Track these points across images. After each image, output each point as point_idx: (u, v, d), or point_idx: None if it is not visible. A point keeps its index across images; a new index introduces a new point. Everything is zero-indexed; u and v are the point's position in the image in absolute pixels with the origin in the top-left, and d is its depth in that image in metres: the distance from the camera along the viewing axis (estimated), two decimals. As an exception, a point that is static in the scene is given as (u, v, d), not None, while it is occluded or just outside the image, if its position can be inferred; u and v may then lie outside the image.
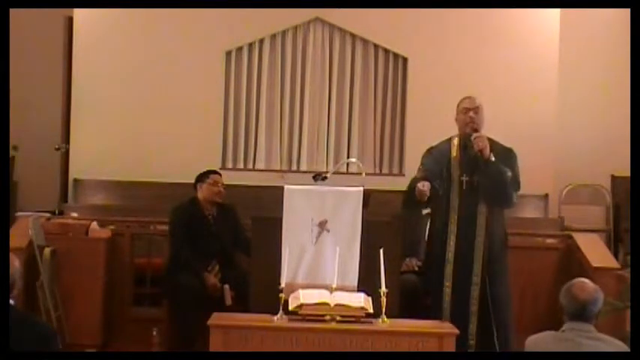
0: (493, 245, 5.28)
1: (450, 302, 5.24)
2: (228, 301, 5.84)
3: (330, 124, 8.53)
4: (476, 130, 5.25)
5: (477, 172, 5.26)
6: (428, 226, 5.82)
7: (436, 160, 5.38)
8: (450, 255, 5.25)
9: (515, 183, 5.30)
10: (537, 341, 3.70)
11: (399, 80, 8.58)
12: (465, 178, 5.30)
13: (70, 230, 6.30)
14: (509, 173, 5.23)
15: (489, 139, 5.24)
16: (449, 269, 5.26)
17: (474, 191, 5.28)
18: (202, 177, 6.27)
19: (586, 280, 3.74)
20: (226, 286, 5.89)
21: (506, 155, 5.32)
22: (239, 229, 6.22)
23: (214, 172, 6.38)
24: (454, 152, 5.34)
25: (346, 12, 8.27)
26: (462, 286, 5.24)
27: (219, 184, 6.25)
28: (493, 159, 5.20)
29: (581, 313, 3.61)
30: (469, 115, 5.27)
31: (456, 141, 5.38)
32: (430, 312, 5.32)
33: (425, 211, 6.14)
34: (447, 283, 5.25)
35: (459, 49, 8.37)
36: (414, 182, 5.24)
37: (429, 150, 5.47)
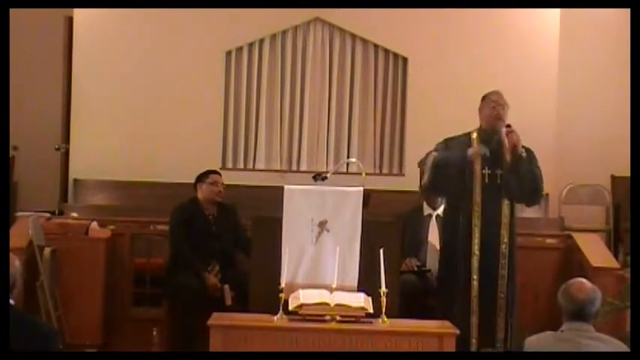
0: (511, 240, 5.33)
1: (478, 296, 5.24)
2: (228, 301, 5.84)
3: (330, 124, 8.51)
4: (508, 126, 5.24)
5: (500, 166, 5.27)
6: (443, 223, 5.77)
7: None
8: (476, 248, 5.24)
9: (542, 180, 5.35)
10: (536, 341, 3.69)
11: (399, 80, 8.57)
12: (486, 172, 5.29)
13: (70, 230, 6.31)
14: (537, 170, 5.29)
15: None
16: (475, 263, 5.25)
17: (496, 185, 5.29)
18: (202, 177, 6.28)
19: (584, 280, 3.73)
20: (226, 286, 5.90)
21: (530, 154, 5.35)
22: (239, 229, 6.23)
23: (214, 172, 6.39)
24: (474, 146, 5.32)
25: (346, 12, 8.26)
26: (490, 280, 5.25)
27: (219, 184, 6.26)
28: (524, 155, 5.23)
29: (580, 313, 3.61)
30: (497, 112, 5.26)
31: (475, 135, 5.36)
32: (437, 311, 5.31)
33: (428, 212, 6.16)
34: (475, 277, 5.24)
35: (459, 49, 8.36)
36: (431, 158, 5.30)
37: (445, 141, 5.45)
